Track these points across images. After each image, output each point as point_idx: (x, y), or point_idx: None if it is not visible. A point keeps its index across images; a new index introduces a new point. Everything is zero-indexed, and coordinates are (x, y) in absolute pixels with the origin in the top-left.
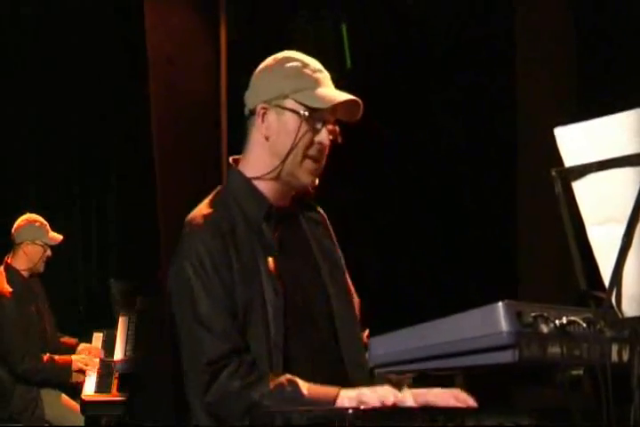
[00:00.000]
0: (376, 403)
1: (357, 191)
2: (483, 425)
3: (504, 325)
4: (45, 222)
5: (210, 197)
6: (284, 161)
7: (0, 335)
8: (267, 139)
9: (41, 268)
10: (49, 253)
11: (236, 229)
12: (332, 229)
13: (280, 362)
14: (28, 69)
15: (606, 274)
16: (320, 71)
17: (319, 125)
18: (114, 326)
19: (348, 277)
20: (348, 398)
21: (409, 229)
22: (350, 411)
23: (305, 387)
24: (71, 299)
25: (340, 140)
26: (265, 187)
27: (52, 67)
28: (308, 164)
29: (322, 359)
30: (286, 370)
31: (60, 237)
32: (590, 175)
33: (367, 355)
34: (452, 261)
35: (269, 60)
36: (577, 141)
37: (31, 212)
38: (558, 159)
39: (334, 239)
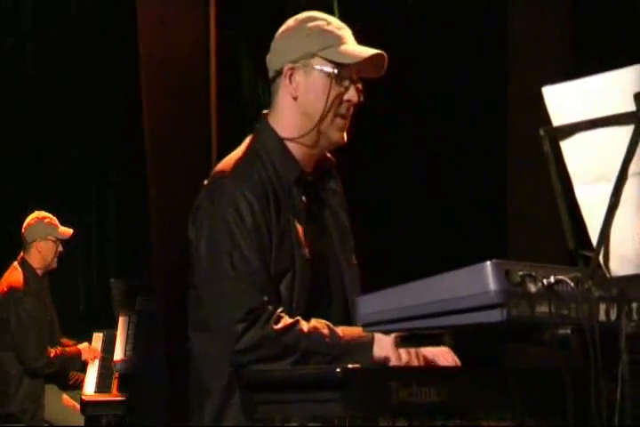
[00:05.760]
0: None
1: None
2: (483, 425)
3: (492, 283)
4: (54, 218)
5: (242, 149)
6: (318, 123)
7: (19, 330)
8: (295, 99)
9: (54, 264)
10: (60, 248)
11: (274, 187)
12: (345, 200)
13: None
14: (26, 68)
15: (594, 233)
16: (343, 28)
17: (347, 83)
18: (114, 326)
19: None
20: (382, 344)
21: (398, 190)
22: (338, 370)
23: (339, 329)
24: (71, 299)
25: (362, 98)
26: (296, 149)
27: (51, 66)
28: (338, 121)
29: (336, 323)
30: None
31: (70, 230)
32: (579, 134)
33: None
34: (441, 220)
35: (291, 22)
36: (565, 100)
37: (31, 211)
38: (548, 118)
39: (347, 209)
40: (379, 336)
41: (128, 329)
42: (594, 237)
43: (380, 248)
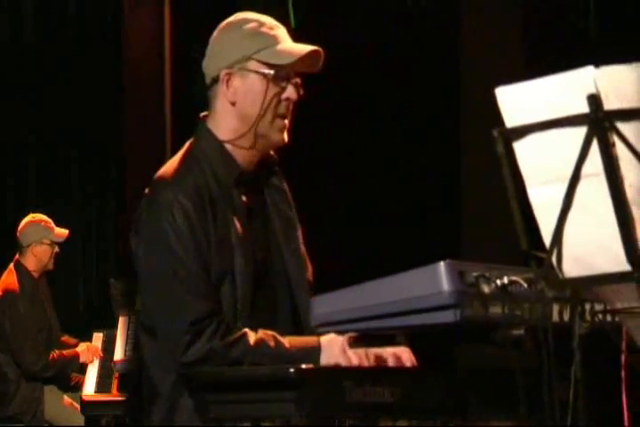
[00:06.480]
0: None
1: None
2: (482, 425)
3: (445, 284)
4: (49, 220)
5: (181, 154)
6: (254, 125)
7: (14, 334)
8: (233, 104)
9: (50, 265)
10: (56, 249)
11: (211, 192)
12: (290, 196)
13: (246, 326)
14: (26, 68)
15: (547, 234)
16: (277, 27)
17: (284, 83)
18: (114, 326)
19: (302, 243)
20: (330, 352)
21: (353, 190)
22: (292, 370)
23: (285, 340)
24: (71, 299)
25: (301, 92)
26: (235, 151)
27: (52, 66)
28: (278, 122)
29: (283, 321)
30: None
31: (65, 231)
32: (532, 136)
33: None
34: (395, 220)
35: (224, 25)
36: (518, 101)
37: (30, 211)
38: (501, 119)
39: (292, 205)
40: (325, 343)
41: (128, 329)
42: (547, 238)
43: (334, 249)
